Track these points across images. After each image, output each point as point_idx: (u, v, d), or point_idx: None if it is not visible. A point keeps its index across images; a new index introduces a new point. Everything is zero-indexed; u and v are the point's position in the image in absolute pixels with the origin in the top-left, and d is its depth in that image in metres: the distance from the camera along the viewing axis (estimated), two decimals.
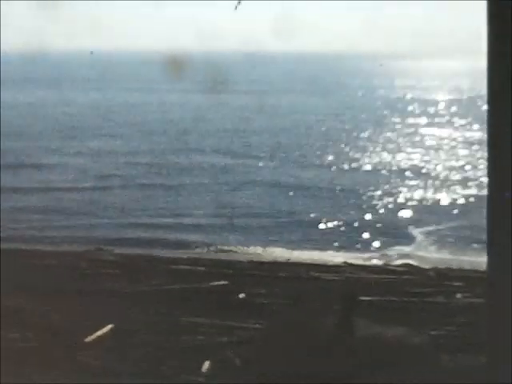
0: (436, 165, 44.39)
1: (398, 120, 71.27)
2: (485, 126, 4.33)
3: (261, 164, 43.23)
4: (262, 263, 17.60)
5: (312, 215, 29.43)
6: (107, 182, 36.47)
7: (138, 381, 10.41)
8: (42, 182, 35.67)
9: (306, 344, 10.41)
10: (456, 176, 40.13)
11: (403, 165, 44.21)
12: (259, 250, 22.74)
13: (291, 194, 34.03)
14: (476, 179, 37.96)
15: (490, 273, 4.03)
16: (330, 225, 28.05)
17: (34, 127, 57.86)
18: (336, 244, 24.98)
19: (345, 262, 18.40)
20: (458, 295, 14.31)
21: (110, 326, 12.11)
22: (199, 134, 56.15)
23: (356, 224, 28.24)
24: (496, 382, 3.97)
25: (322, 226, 28.01)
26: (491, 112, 4.00)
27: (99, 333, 11.88)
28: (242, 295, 14.04)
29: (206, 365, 10.78)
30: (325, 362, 9.66)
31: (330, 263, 18.28)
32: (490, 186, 3.98)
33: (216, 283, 14.81)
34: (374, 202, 32.72)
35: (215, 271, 15.92)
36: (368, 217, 29.80)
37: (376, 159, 46.33)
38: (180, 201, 32.38)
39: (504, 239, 3.93)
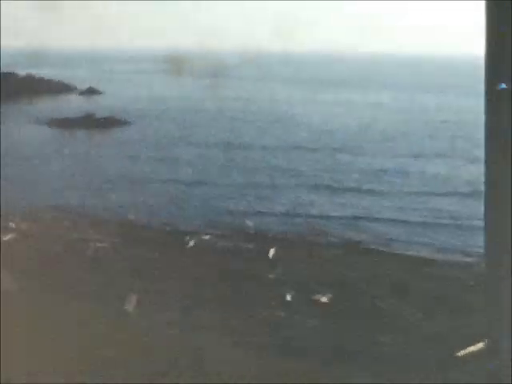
0: None
1: None
2: None
3: None
4: None
5: None
6: None
7: None
8: None
9: None
10: None
11: None
12: None
13: None
14: None
15: (488, 269, 3.92)
16: None
17: None
18: None
19: None
20: None
21: (482, 343, 11.63)
22: None
23: None
24: (496, 382, 3.76)
25: None
26: (489, 111, 3.89)
27: (472, 348, 11.45)
28: None
29: None
30: None
31: None
32: (488, 179, 3.92)
33: None
34: None
35: None
36: None
37: None
38: None
39: (502, 236, 3.79)
